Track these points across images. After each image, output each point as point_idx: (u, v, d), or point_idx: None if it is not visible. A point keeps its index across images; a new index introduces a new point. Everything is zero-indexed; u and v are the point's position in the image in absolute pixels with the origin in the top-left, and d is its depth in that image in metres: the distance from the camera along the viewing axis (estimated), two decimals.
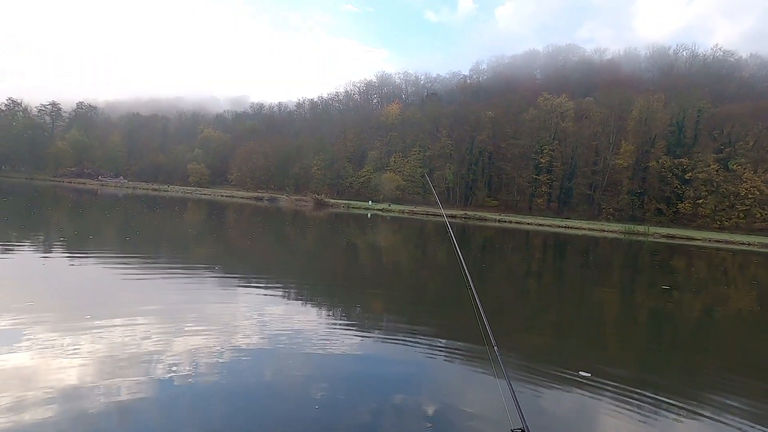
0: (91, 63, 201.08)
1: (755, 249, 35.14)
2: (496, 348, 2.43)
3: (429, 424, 3.35)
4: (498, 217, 51.85)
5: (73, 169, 78.72)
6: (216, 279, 8.30)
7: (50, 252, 9.71)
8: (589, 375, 4.58)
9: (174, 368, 3.96)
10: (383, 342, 5.36)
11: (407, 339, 5.48)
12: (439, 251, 17.21)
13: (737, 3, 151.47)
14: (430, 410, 3.60)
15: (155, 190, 62.01)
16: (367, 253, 15.86)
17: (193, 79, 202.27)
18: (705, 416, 3.98)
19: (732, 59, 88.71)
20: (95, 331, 4.74)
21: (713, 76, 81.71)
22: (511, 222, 47.76)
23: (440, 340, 5.60)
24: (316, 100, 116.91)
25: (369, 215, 41.99)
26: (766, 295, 13.49)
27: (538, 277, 13.54)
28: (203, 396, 3.54)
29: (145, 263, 9.22)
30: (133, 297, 6.42)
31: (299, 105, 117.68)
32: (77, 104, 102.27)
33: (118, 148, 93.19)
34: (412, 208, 55.11)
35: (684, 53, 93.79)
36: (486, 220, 48.84)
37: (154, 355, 4.23)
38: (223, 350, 4.51)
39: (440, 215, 50.10)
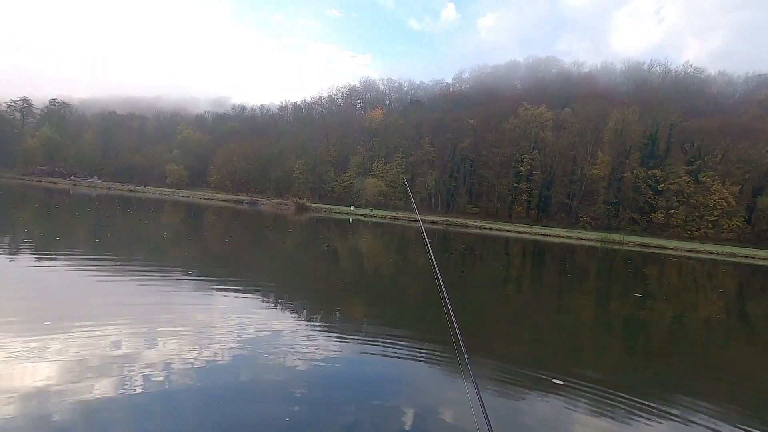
0: (65, 59, 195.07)
1: (723, 258, 36.55)
2: (466, 356, 2.45)
3: None
4: (479, 224, 52.43)
5: (43, 167, 75.73)
6: (192, 282, 8.08)
7: (14, 254, 9.27)
8: (562, 383, 4.62)
9: (145, 373, 3.83)
10: (359, 348, 5.30)
11: (384, 345, 5.44)
12: (419, 257, 17.25)
13: (706, 23, 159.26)
14: (402, 419, 3.57)
15: (131, 191, 60.29)
16: (347, 258, 15.76)
17: (173, 79, 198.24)
18: (675, 417, 4.08)
19: (702, 76, 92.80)
20: (61, 335, 4.53)
21: (684, 92, 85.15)
22: (491, 229, 48.35)
23: (418, 346, 5.57)
24: (299, 103, 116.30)
25: (351, 220, 41.84)
26: (732, 303, 14.00)
27: (516, 283, 13.71)
28: (175, 402, 3.43)
29: (116, 266, 8.89)
30: (103, 300, 6.17)
31: (282, 108, 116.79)
32: (50, 101, 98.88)
33: (92, 147, 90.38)
34: (394, 213, 55.20)
35: (657, 69, 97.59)
36: (467, 226, 49.32)
37: (124, 359, 4.08)
38: (197, 355, 4.38)
39: (421, 221, 50.29)
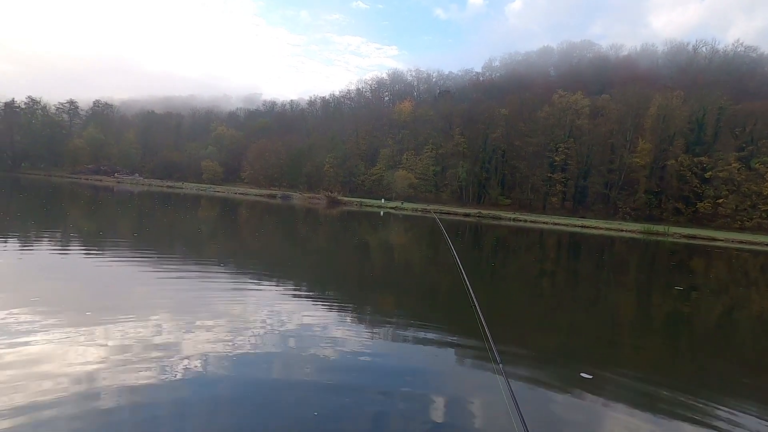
0: (107, 62, 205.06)
1: None
2: (501, 365, 2.45)
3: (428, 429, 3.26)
4: (512, 216, 51.27)
5: (89, 166, 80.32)
6: (227, 276, 8.30)
7: (61, 248, 9.84)
8: (591, 377, 4.46)
9: (184, 362, 3.97)
10: (389, 339, 5.29)
11: (414, 337, 5.41)
12: (449, 250, 17.02)
13: None
14: (431, 410, 3.52)
15: (170, 187, 62.91)
16: (377, 251, 15.78)
17: (206, 78, 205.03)
18: (721, 417, 3.81)
19: (754, 55, 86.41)
20: (105, 326, 4.75)
21: (734, 73, 79.60)
22: (526, 221, 47.17)
23: (448, 338, 5.49)
24: (327, 98, 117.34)
25: (381, 213, 41.92)
26: None
27: (551, 276, 13.28)
28: (211, 389, 3.54)
29: (154, 260, 9.27)
30: (143, 293, 6.44)
31: (311, 103, 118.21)
32: (94, 102, 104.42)
33: (133, 146, 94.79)
34: (424, 206, 54.85)
35: (704, 49, 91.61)
36: (500, 218, 48.33)
37: (164, 350, 4.23)
38: (231, 345, 4.51)
39: (453, 213, 49.75)
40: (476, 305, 2.76)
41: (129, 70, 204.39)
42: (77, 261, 8.42)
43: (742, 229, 54.44)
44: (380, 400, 3.65)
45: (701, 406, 4.07)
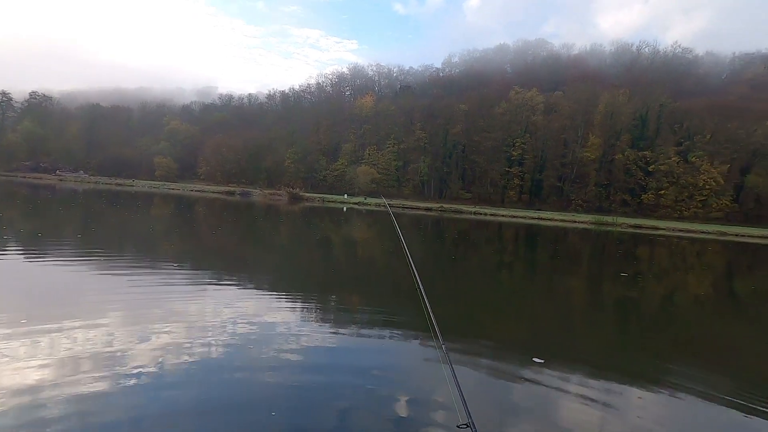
0: (44, 50, 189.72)
1: (713, 237, 37.11)
2: (444, 346, 2.49)
3: (379, 423, 3.30)
4: (473, 210, 52.57)
5: (27, 163, 74.25)
6: (183, 276, 7.96)
7: None
8: (542, 361, 4.67)
9: (137, 369, 3.77)
10: (352, 337, 5.28)
11: (377, 333, 5.46)
12: (413, 244, 17.23)
13: (691, 2, 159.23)
14: (389, 407, 3.55)
15: (119, 184, 59.39)
16: (340, 247, 15.69)
17: (157, 69, 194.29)
18: (664, 392, 4.14)
19: (690, 56, 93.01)
20: (51, 333, 4.42)
21: (673, 73, 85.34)
22: (486, 214, 48.51)
23: (411, 333, 5.54)
24: (287, 91, 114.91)
25: (345, 209, 41.69)
26: (720, 281, 14.22)
27: (509, 267, 13.77)
28: (167, 396, 3.38)
29: (103, 261, 8.72)
30: (90, 297, 6.05)
31: (270, 97, 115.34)
32: (30, 94, 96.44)
33: (76, 141, 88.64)
34: (388, 201, 55.02)
35: (646, 50, 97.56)
36: (462, 212, 49.41)
37: (115, 355, 4.00)
38: (189, 348, 4.33)
39: (415, 208, 50.32)
40: (422, 292, 2.85)
41: (70, 58, 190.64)
42: (11, 264, 7.76)
43: (681, 219, 58.83)
44: (337, 397, 3.65)
45: (646, 384, 4.37)
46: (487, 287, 9.83)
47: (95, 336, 4.45)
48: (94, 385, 3.43)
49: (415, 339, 5.35)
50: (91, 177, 70.02)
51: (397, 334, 5.49)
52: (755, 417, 3.80)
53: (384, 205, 48.06)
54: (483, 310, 7.50)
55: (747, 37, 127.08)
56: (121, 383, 3.47)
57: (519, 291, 9.88)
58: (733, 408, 3.93)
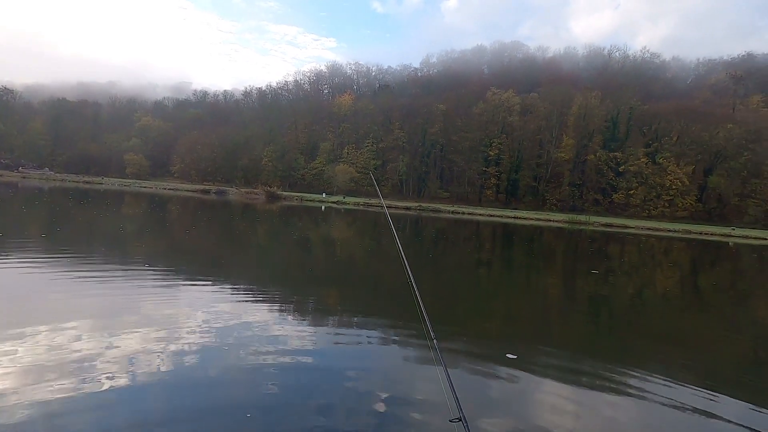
0: (6, 41, 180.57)
1: (679, 235, 38.72)
2: (435, 341, 2.51)
3: (371, 419, 3.30)
4: (451, 209, 53.10)
5: None
6: (156, 277, 7.71)
7: None
8: (516, 357, 4.78)
9: (107, 374, 3.62)
10: (332, 336, 5.23)
11: (357, 332, 5.44)
12: (392, 243, 17.26)
13: (658, 9, 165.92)
14: (374, 405, 3.54)
15: (87, 182, 57.14)
16: (319, 247, 15.56)
17: (128, 64, 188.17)
18: (633, 385, 4.29)
19: (657, 61, 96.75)
20: (14, 339, 4.19)
21: (642, 77, 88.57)
22: (464, 213, 49.10)
23: (391, 331, 5.56)
24: (264, 88, 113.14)
25: (323, 208, 41.38)
26: (685, 277, 14.84)
27: (487, 265, 13.98)
28: (139, 402, 3.26)
29: (69, 262, 8.36)
30: (56, 300, 5.78)
31: (246, 94, 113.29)
32: None
33: (41, 137, 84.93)
34: (366, 200, 55.00)
35: (617, 54, 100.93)
36: (440, 211, 49.84)
37: (85, 361, 3.83)
38: (163, 352, 4.18)
39: (395, 207, 50.44)
40: (415, 289, 2.83)
41: (34, 51, 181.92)
42: None
43: (649, 217, 61.15)
44: (319, 396, 3.60)
45: (617, 376, 4.51)
46: (463, 285, 9.95)
47: (60, 342, 4.25)
48: (59, 393, 3.27)
49: (397, 336, 5.35)
50: (57, 174, 67.09)
51: (378, 330, 5.48)
52: (715, 402, 3.99)
53: (363, 204, 47.98)
54: (458, 306, 7.58)
55: (708, 42, 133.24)
56: (88, 391, 3.32)
57: (496, 288, 10.04)
58: (699, 396, 4.12)
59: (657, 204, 64.49)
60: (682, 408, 3.92)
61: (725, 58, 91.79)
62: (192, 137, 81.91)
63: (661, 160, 65.68)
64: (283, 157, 79.68)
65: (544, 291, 10.02)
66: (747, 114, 68.90)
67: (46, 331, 4.49)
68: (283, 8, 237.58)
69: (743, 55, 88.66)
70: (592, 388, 4.23)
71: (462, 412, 1.97)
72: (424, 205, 55.37)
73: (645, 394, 4.13)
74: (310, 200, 52.53)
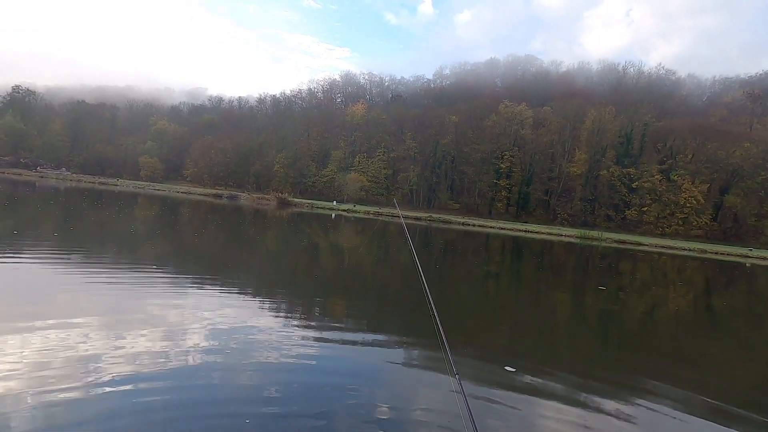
0: (28, 43, 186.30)
1: (694, 254, 37.93)
2: (458, 376, 2.40)
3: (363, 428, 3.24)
4: (462, 220, 52.85)
5: (6, 158, 72.26)
6: (165, 279, 7.76)
7: None
8: (515, 370, 4.72)
9: (113, 374, 3.63)
10: (339, 347, 5.18)
11: (363, 341, 5.39)
12: (401, 253, 17.20)
13: (672, 26, 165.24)
14: (380, 414, 3.49)
15: (102, 183, 58.19)
16: (327, 255, 15.57)
17: (145, 68, 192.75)
18: (642, 405, 4.17)
19: (673, 78, 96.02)
20: (23, 334, 4.24)
21: (657, 93, 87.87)
22: (474, 225, 48.82)
23: (397, 341, 5.50)
24: (278, 96, 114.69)
25: (333, 216, 41.52)
26: (699, 297, 14.49)
27: (495, 278, 13.82)
28: (143, 404, 3.26)
29: (80, 262, 8.48)
30: (66, 299, 5.85)
31: (260, 100, 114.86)
32: (13, 87, 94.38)
33: (59, 138, 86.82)
34: (377, 209, 55.06)
35: (631, 70, 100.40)
36: (450, 222, 49.63)
37: (90, 360, 3.85)
38: (168, 354, 4.20)
39: (405, 217, 50.35)
40: (434, 312, 2.76)
41: (56, 54, 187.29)
42: None
43: (663, 235, 60.11)
44: (316, 405, 3.56)
45: (625, 394, 4.39)
46: (471, 298, 9.83)
47: (68, 338, 4.29)
48: (64, 390, 3.29)
49: (404, 350, 5.29)
50: (74, 175, 68.50)
51: (386, 343, 5.43)
52: (726, 428, 3.85)
53: (374, 213, 48.04)
54: (472, 320, 7.48)
55: (722, 60, 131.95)
56: (91, 390, 3.33)
57: (505, 302, 9.90)
58: (707, 419, 3.98)
59: (671, 222, 63.42)
60: (688, 428, 3.80)
61: (741, 76, 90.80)
62: (206, 142, 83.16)
63: (675, 178, 64.72)
64: (294, 164, 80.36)
65: (555, 307, 9.85)
66: (765, 133, 67.80)
67: (52, 328, 4.53)
68: (298, 17, 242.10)
69: (760, 74, 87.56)
70: (600, 406, 4.11)
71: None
72: (434, 215, 55.20)
73: (653, 413, 4.02)
74: (321, 207, 52.76)
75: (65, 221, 15.49)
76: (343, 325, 6.10)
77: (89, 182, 58.13)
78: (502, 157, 74.21)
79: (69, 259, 8.54)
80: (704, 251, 41.74)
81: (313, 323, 6.06)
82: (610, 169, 68.66)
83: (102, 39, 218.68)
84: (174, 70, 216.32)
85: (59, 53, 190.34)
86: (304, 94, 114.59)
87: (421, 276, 3.40)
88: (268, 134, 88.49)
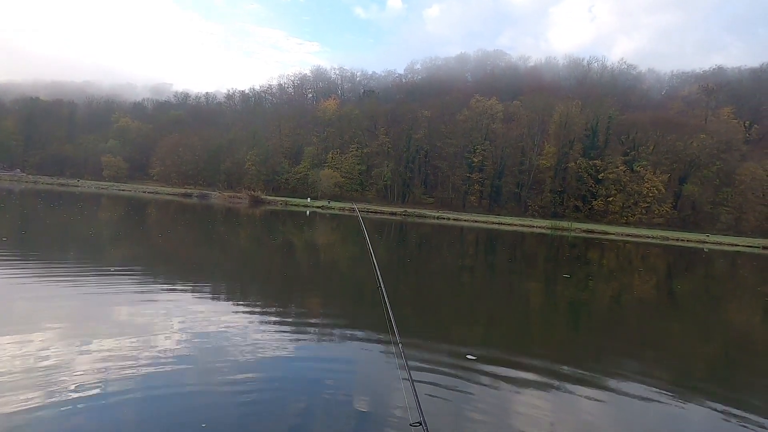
0: None
1: (657, 242, 39.74)
2: (400, 345, 2.51)
3: (333, 423, 3.27)
4: (436, 215, 53.31)
5: None
6: (133, 282, 7.46)
7: None
8: (475, 358, 4.84)
9: (78, 383, 3.47)
10: (299, 342, 5.18)
11: (325, 338, 5.43)
12: (376, 248, 17.19)
13: (632, 22, 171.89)
14: (337, 409, 3.51)
15: (62, 184, 55.38)
16: (302, 252, 15.38)
17: (105, 63, 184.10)
18: (610, 387, 4.34)
19: (634, 72, 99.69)
20: None
21: (620, 87, 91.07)
22: (449, 219, 49.35)
23: (360, 335, 5.50)
24: (247, 91, 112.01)
25: (308, 213, 41.06)
26: (661, 282, 15.21)
27: (470, 270, 14.04)
28: (111, 412, 3.13)
29: (37, 268, 8.03)
30: (24, 307, 5.52)
31: (229, 96, 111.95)
32: None
33: (13, 137, 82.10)
34: (351, 205, 54.77)
35: (595, 64, 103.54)
36: (425, 217, 50.00)
37: (54, 369, 3.67)
38: (137, 359, 4.06)
39: (380, 212, 50.43)
40: (384, 293, 2.83)
41: (6, 48, 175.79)
42: None
43: (627, 224, 62.62)
44: (298, 402, 3.52)
45: (592, 378, 4.55)
46: (443, 289, 9.94)
47: (28, 350, 4.05)
48: (25, 404, 3.11)
49: (369, 340, 5.30)
50: (30, 176, 64.85)
51: (352, 335, 5.46)
52: (689, 403, 4.08)
53: (349, 209, 47.80)
54: (445, 311, 7.56)
55: (680, 55, 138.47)
56: (55, 402, 3.17)
57: (478, 292, 10.06)
58: (670, 396, 4.18)
59: (635, 211, 66.14)
60: (654, 406, 3.98)
61: (697, 71, 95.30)
62: (173, 139, 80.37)
63: (638, 169, 67.46)
64: (266, 161, 78.83)
65: (527, 296, 10.09)
66: (718, 125, 71.51)
67: (10, 339, 4.27)
68: (266, 11, 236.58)
69: (714, 69, 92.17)
70: (571, 389, 4.25)
71: (423, 416, 1.96)
72: (409, 210, 55.46)
73: (620, 395, 4.19)
74: (295, 205, 52.07)
75: (20, 225, 14.63)
76: (311, 322, 6.05)
77: (47, 183, 55.20)
78: (474, 151, 75.25)
79: (25, 265, 8.07)
80: (666, 238, 43.78)
81: (286, 320, 5.98)
82: (578, 161, 70.83)
83: (57, 32, 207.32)
84: (136, 64, 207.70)
85: (10, 47, 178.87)
86: (274, 90, 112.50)
87: (372, 257, 3.48)
88: (238, 131, 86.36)
